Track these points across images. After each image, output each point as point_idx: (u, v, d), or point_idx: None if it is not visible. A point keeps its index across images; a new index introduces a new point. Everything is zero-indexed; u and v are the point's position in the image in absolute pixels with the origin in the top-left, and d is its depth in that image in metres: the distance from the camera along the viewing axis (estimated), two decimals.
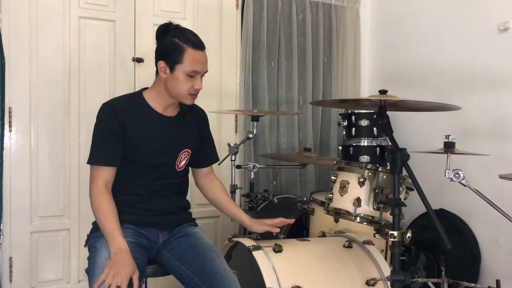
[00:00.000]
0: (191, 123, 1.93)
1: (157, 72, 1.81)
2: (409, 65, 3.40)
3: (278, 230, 1.91)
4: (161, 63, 1.76)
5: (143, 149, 1.79)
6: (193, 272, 1.73)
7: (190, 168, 2.03)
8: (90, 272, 1.65)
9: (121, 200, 1.78)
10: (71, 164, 2.79)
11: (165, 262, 1.83)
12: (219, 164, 2.23)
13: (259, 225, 1.93)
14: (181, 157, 1.88)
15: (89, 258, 1.72)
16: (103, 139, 1.76)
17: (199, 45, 1.76)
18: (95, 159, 1.76)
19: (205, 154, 2.03)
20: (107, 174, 1.75)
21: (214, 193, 2.05)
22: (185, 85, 1.76)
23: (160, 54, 1.78)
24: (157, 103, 1.83)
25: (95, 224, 1.79)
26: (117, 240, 1.65)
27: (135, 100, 1.84)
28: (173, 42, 1.74)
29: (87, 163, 1.77)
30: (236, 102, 3.28)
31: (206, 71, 1.81)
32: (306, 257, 1.89)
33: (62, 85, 2.76)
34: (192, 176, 2.06)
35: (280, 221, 1.93)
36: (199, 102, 1.96)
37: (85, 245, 1.83)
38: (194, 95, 1.80)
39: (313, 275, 1.82)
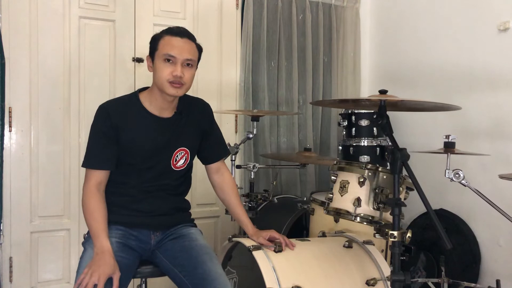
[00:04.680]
0: (190, 121, 1.89)
1: None
2: (409, 65, 3.39)
3: (271, 245, 1.87)
4: (148, 59, 1.80)
5: (135, 152, 1.78)
6: (185, 275, 1.71)
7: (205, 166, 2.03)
8: (77, 271, 1.65)
9: (114, 201, 1.79)
10: (71, 164, 2.79)
11: (159, 264, 1.82)
12: None
13: (256, 237, 1.91)
14: (177, 156, 1.86)
15: (79, 259, 1.73)
16: (96, 142, 1.77)
17: (178, 33, 1.75)
18: (88, 162, 1.77)
19: (210, 149, 2.00)
20: (99, 176, 1.75)
21: (224, 193, 2.03)
22: (163, 72, 1.71)
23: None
24: (152, 105, 1.81)
25: None
26: (100, 240, 1.65)
27: (130, 102, 1.82)
28: (154, 36, 1.78)
29: (82, 166, 1.78)
30: (236, 102, 3.27)
31: (187, 59, 1.73)
32: (306, 257, 1.89)
33: (62, 85, 2.76)
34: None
35: (278, 236, 1.91)
36: None
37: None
38: (174, 83, 1.71)
39: (313, 275, 1.82)
